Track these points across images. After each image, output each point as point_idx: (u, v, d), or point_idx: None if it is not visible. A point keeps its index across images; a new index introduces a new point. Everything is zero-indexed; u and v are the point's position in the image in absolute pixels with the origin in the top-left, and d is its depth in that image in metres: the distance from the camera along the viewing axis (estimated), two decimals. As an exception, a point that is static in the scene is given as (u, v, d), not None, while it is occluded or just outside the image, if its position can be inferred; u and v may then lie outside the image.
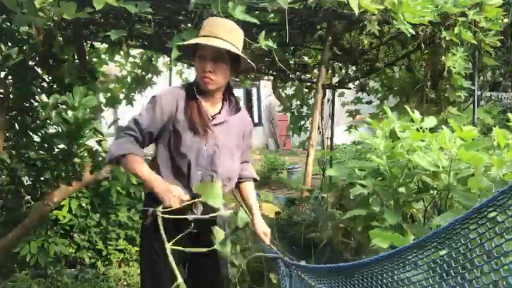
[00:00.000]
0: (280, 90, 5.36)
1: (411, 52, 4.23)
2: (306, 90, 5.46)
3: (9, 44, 3.28)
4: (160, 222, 1.49)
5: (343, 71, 5.31)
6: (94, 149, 3.59)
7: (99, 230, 3.73)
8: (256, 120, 14.41)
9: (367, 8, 2.81)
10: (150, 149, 2.02)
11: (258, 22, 2.67)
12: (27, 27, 3.22)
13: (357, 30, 3.85)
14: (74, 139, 2.90)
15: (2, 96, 3.18)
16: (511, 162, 1.79)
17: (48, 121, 3.30)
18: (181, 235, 1.42)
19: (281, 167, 9.17)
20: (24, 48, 3.27)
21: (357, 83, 5.45)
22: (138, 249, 2.14)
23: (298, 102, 5.52)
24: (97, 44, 4.31)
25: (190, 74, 5.71)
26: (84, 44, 4.02)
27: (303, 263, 1.83)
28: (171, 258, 1.25)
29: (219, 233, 1.44)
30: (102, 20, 3.49)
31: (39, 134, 3.39)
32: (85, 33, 3.85)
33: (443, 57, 3.52)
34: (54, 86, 3.59)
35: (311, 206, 3.28)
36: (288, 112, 5.54)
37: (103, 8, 2.40)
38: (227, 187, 1.92)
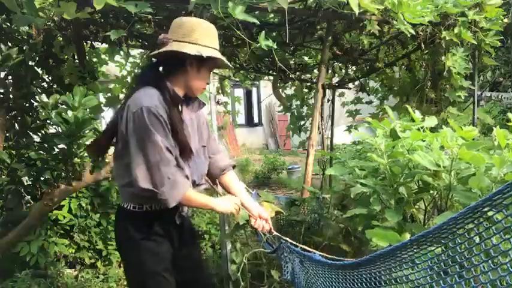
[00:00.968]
0: (280, 90, 5.35)
1: (411, 52, 4.23)
2: (306, 90, 5.46)
3: (9, 44, 3.28)
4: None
5: (343, 71, 5.31)
6: (94, 149, 3.59)
7: (99, 230, 3.73)
8: (256, 120, 14.42)
9: (367, 8, 2.80)
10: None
11: (258, 22, 2.67)
12: (27, 27, 3.22)
13: (357, 30, 3.85)
14: (74, 139, 2.90)
15: (2, 96, 3.18)
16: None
17: (48, 121, 3.30)
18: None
19: (281, 167, 9.17)
20: (24, 48, 3.27)
21: (357, 83, 5.45)
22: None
23: (298, 102, 5.51)
24: (97, 44, 4.31)
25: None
26: (84, 44, 4.01)
27: (316, 253, 1.86)
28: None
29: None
30: (102, 20, 3.49)
31: (39, 134, 3.39)
32: (85, 33, 3.85)
33: (443, 57, 3.52)
34: (54, 86, 3.59)
35: (312, 207, 3.28)
36: (288, 112, 5.54)
37: (103, 8, 2.40)
38: (204, 185, 2.01)
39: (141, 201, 1.76)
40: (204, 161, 1.94)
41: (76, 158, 3.20)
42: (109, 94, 4.90)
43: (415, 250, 1.22)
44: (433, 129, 2.29)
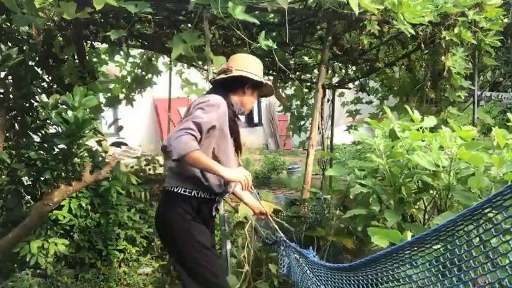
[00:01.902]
0: (280, 90, 5.36)
1: (411, 52, 4.23)
2: (306, 90, 5.47)
3: (9, 44, 3.28)
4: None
5: (343, 71, 5.31)
6: (94, 149, 3.59)
7: (99, 230, 3.72)
8: (256, 120, 14.41)
9: (367, 8, 2.81)
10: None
11: (258, 22, 2.67)
12: (27, 27, 3.22)
13: (357, 30, 3.85)
14: (74, 139, 2.90)
15: (2, 96, 3.19)
16: (511, 162, 1.79)
17: (48, 121, 3.30)
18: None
19: (281, 167, 9.17)
20: (24, 48, 3.27)
21: (356, 83, 5.45)
22: (170, 249, 2.22)
23: (298, 102, 5.52)
24: (97, 44, 4.31)
25: (190, 74, 5.71)
26: (84, 44, 4.02)
27: (310, 249, 1.89)
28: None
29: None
30: (102, 20, 3.49)
31: (39, 134, 3.39)
32: (85, 33, 3.85)
33: (443, 57, 3.52)
34: (54, 86, 3.59)
35: (313, 207, 3.28)
36: (288, 112, 5.54)
37: (103, 8, 2.40)
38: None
39: (190, 186, 2.07)
40: (235, 166, 2.23)
41: (76, 158, 3.20)
42: (109, 94, 4.91)
43: (412, 253, 1.21)
44: (433, 129, 2.29)
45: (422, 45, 3.57)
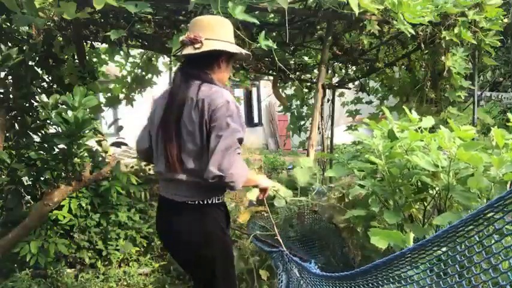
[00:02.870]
0: (280, 90, 5.35)
1: (411, 52, 4.23)
2: (306, 90, 5.46)
3: (9, 44, 3.28)
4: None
5: (343, 71, 5.31)
6: (94, 149, 3.59)
7: (99, 230, 3.73)
8: (256, 120, 14.41)
9: (367, 8, 2.80)
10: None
11: (258, 22, 2.67)
12: (27, 27, 3.22)
13: (357, 30, 3.84)
14: (74, 139, 2.90)
15: (2, 96, 3.19)
16: (511, 162, 1.79)
17: (48, 121, 3.30)
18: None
19: (281, 167, 9.17)
20: (24, 48, 3.27)
21: (356, 83, 5.45)
22: (196, 254, 1.88)
23: (298, 102, 5.51)
24: (97, 44, 4.31)
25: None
26: (84, 44, 4.02)
27: (312, 263, 1.84)
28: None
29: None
30: (102, 20, 3.49)
31: (39, 134, 3.39)
32: (85, 33, 3.85)
33: (443, 57, 3.51)
34: (54, 86, 3.60)
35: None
36: (288, 112, 5.54)
37: (103, 8, 2.40)
38: None
39: (219, 192, 1.85)
40: None
41: (76, 158, 3.20)
42: (109, 94, 4.91)
43: (413, 259, 1.20)
44: (432, 130, 2.29)
45: (422, 45, 3.57)
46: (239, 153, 1.73)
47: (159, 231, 2.01)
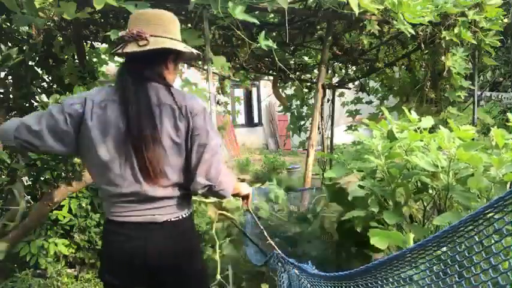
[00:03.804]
0: (280, 90, 5.36)
1: (411, 52, 4.23)
2: (306, 90, 5.46)
3: (9, 44, 3.28)
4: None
5: (343, 71, 5.31)
6: (94, 149, 3.59)
7: (99, 230, 3.72)
8: (256, 120, 14.41)
9: (367, 8, 2.81)
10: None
11: (258, 22, 2.67)
12: (27, 27, 3.22)
13: (357, 30, 3.85)
14: (74, 139, 2.89)
15: (2, 96, 3.19)
16: (511, 162, 1.79)
17: (48, 121, 3.30)
18: None
19: (281, 167, 9.17)
20: (24, 48, 3.27)
21: (356, 83, 5.45)
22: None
23: (298, 102, 5.52)
24: (97, 44, 4.31)
25: (191, 75, 5.70)
26: (84, 44, 4.02)
27: (310, 264, 1.84)
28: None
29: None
30: (102, 20, 3.49)
31: (39, 134, 3.39)
32: (85, 33, 3.85)
33: (443, 57, 3.52)
34: (54, 86, 3.60)
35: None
36: (288, 112, 5.54)
37: (103, 8, 2.40)
38: None
39: (189, 204, 1.72)
40: None
41: (76, 158, 3.20)
42: (109, 94, 4.91)
43: (412, 259, 1.20)
44: (432, 130, 2.29)
45: (422, 45, 3.58)
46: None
47: (120, 262, 1.61)
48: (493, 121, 4.54)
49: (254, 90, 14.01)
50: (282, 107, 5.48)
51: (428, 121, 2.22)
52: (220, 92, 5.51)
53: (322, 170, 5.27)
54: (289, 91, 5.63)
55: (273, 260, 2.14)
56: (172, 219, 1.61)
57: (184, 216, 1.65)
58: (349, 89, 5.63)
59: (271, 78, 5.30)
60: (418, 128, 2.21)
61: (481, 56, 3.91)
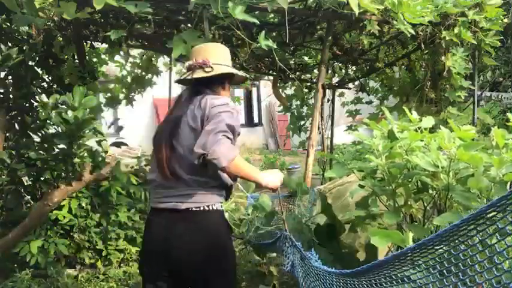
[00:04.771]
0: (280, 90, 5.35)
1: (411, 52, 4.23)
2: (306, 90, 5.46)
3: (9, 44, 3.28)
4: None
5: (343, 71, 5.31)
6: (94, 149, 3.60)
7: (99, 230, 3.73)
8: (256, 120, 14.41)
9: (367, 8, 2.80)
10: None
11: (258, 22, 2.67)
12: (27, 27, 3.22)
13: (357, 30, 3.84)
14: (74, 139, 2.91)
15: (2, 96, 3.19)
16: (511, 162, 1.79)
17: (48, 121, 3.30)
18: None
19: (281, 167, 9.18)
20: (24, 48, 3.27)
21: (356, 83, 5.45)
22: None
23: (298, 102, 5.51)
24: (97, 44, 4.31)
25: (190, 74, 5.69)
26: (84, 44, 4.02)
27: (313, 252, 1.87)
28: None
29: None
30: (102, 20, 3.49)
31: (39, 134, 3.40)
32: (85, 33, 3.85)
33: (443, 57, 3.51)
34: (54, 86, 3.60)
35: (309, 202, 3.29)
36: (288, 112, 5.54)
37: (103, 8, 2.40)
38: None
39: (221, 197, 1.85)
40: None
41: (76, 158, 3.21)
42: (109, 94, 4.91)
43: (414, 258, 1.20)
44: (432, 130, 2.28)
45: (422, 45, 3.57)
46: (229, 138, 1.70)
47: (150, 251, 1.86)
48: (493, 121, 4.54)
49: (254, 90, 14.01)
50: (282, 107, 5.48)
51: (429, 121, 2.21)
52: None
53: (322, 170, 5.27)
54: (289, 91, 5.62)
55: (282, 241, 2.21)
56: (201, 209, 1.75)
57: (214, 208, 1.78)
58: (349, 89, 5.62)
59: (271, 78, 5.30)
60: (419, 128, 2.21)
61: (481, 56, 3.90)
